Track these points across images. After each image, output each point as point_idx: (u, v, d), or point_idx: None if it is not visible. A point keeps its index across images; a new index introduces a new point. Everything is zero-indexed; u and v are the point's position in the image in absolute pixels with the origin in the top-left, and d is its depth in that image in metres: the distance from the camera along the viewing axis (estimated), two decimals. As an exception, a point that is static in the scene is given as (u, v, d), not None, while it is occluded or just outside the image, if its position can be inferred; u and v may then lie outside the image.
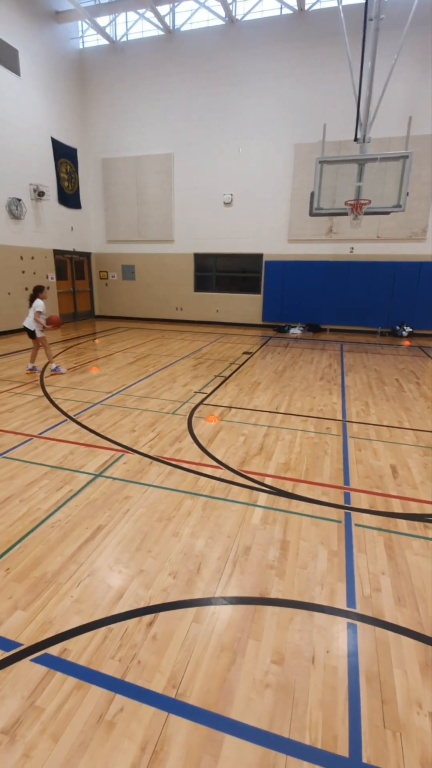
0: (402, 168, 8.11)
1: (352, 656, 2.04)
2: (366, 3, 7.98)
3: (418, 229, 11.53)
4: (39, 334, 7.07)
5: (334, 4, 11.20)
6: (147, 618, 2.24)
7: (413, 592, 2.43)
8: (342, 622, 2.23)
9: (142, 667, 1.96)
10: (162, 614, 2.26)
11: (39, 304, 6.95)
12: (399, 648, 2.08)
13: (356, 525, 3.08)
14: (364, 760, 1.62)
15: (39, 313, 6.93)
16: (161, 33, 12.67)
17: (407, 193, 8.27)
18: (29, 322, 7.01)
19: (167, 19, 12.55)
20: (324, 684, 1.90)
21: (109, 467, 3.91)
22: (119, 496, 3.43)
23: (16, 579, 2.49)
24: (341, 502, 3.38)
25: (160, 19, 12.12)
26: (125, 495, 3.44)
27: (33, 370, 7.35)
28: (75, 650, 2.04)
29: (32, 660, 1.98)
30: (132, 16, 12.99)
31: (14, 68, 10.96)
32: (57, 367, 7.34)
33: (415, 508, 3.29)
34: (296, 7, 11.42)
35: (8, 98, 10.85)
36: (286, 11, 11.68)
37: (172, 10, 12.55)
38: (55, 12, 12.32)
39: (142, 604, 2.32)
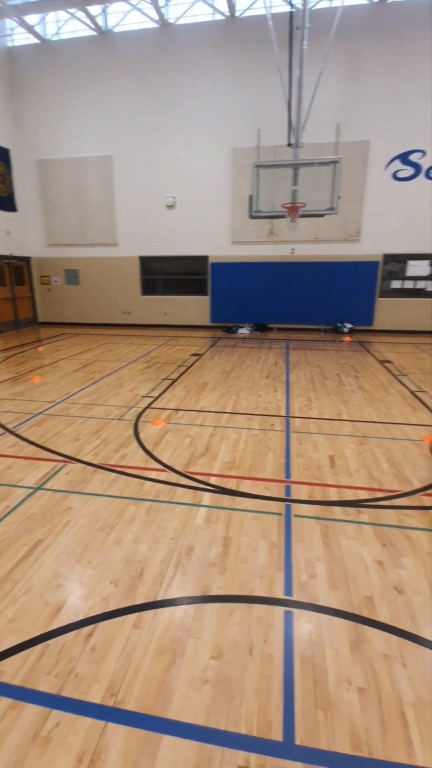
0: (333, 173, 8.51)
1: (288, 643, 2.12)
2: (291, 12, 8.29)
3: (353, 231, 12.14)
4: None
5: (263, 11, 11.54)
6: (86, 630, 2.20)
7: (345, 575, 2.57)
8: (279, 611, 2.31)
9: (80, 680, 1.93)
10: (101, 624, 2.23)
11: None
12: (331, 629, 2.19)
13: (295, 516, 3.20)
14: (297, 742, 1.69)
15: None
16: (94, 33, 12.44)
17: (339, 197, 8.69)
18: None
19: (99, 20, 12.34)
20: (260, 673, 1.96)
21: (49, 479, 3.79)
22: (60, 507, 3.33)
23: None
24: (282, 495, 3.50)
25: (92, 19, 11.89)
26: (66, 506, 3.35)
27: None
28: (9, 671, 1.97)
29: (-40, 688, 1.89)
30: (63, 15, 12.63)
31: None
32: None
33: (349, 495, 3.47)
34: (227, 13, 11.65)
35: None
36: (218, 17, 11.88)
37: (104, 11, 12.36)
38: (-21, 6, 11.72)
39: (81, 616, 2.28)
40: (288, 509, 3.29)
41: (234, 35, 11.74)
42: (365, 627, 2.21)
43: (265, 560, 2.71)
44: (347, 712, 1.81)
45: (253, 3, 11.69)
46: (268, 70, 11.21)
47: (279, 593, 2.43)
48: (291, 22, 8.38)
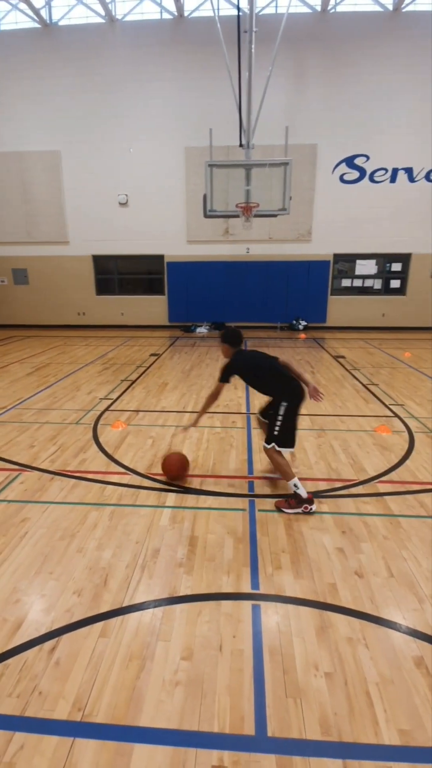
0: (284, 174, 8.70)
1: (257, 636, 2.14)
2: (238, 15, 8.38)
3: (304, 231, 12.50)
4: None
5: (211, 13, 11.58)
6: (49, 644, 2.10)
7: (309, 564, 2.64)
8: (247, 605, 2.33)
9: (44, 698, 1.84)
10: (65, 636, 2.14)
11: None
12: (298, 618, 2.24)
13: (260, 510, 3.24)
14: (269, 734, 1.70)
15: None
16: (37, 25, 11.94)
17: (290, 198, 8.89)
18: None
19: (43, 12, 11.85)
20: (231, 669, 1.96)
21: (3, 489, 3.59)
22: (15, 519, 3.16)
23: None
24: (246, 491, 3.53)
25: (35, 11, 11.41)
26: (22, 517, 3.19)
27: None
28: (-36, 697, 1.84)
29: None
30: (4, 6, 12.00)
31: None
32: None
33: (310, 487, 3.56)
34: (175, 13, 11.58)
35: None
36: (166, 16, 11.79)
37: (48, 4, 11.89)
38: None
39: (43, 631, 2.17)
40: (252, 504, 3.32)
41: (183, 35, 11.70)
42: (329, 613, 2.27)
43: (231, 556, 2.71)
44: (316, 698, 1.84)
45: (201, 4, 11.70)
46: (219, 71, 11.22)
47: (246, 588, 2.45)
48: (239, 25, 8.46)
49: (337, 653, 2.04)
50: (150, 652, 2.05)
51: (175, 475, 3.63)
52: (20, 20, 12.15)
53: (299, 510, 3.14)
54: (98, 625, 2.20)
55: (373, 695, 1.85)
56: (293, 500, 3.17)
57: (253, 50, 8.49)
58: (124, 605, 2.33)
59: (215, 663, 1.99)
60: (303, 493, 3.15)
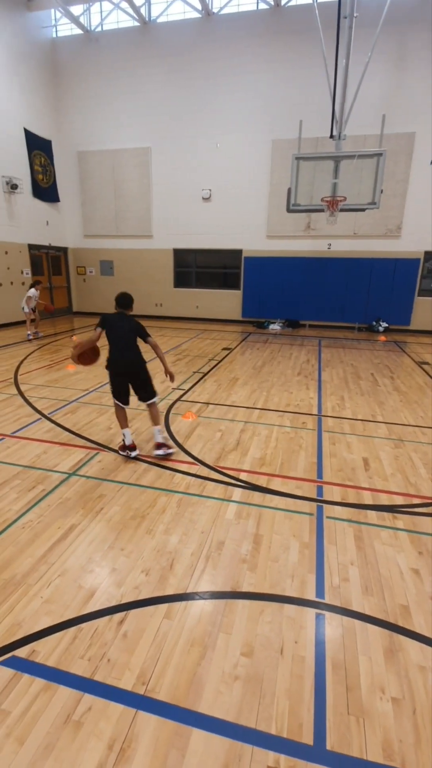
0: (376, 166, 8.22)
1: (320, 645, 2.08)
2: (339, 1, 8.02)
3: (393, 226, 11.73)
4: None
5: (309, 0, 11.23)
6: (118, 616, 2.23)
7: (380, 581, 2.50)
8: (311, 613, 2.27)
9: (112, 666, 1.96)
10: (133, 612, 2.26)
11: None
12: (365, 636, 2.13)
13: (327, 517, 3.14)
14: (328, 747, 1.66)
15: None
16: (137, 24, 12.47)
17: (381, 191, 8.39)
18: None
19: (143, 10, 12.35)
20: (291, 674, 1.93)
21: (83, 466, 3.87)
22: (93, 494, 3.40)
23: (-16, 581, 2.45)
24: (314, 495, 3.44)
25: (135, 9, 11.92)
26: (99, 493, 3.41)
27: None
28: (44, 651, 2.02)
29: (-1, 663, 1.95)
30: (107, 5, 12.72)
31: (-16, 56, 10.60)
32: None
33: (384, 500, 3.37)
34: (272, 2, 11.40)
35: (-22, 87, 10.50)
36: (262, 6, 11.65)
37: (148, 1, 12.35)
38: (27, -1, 11.97)
39: (113, 603, 2.32)
40: (320, 510, 3.23)
41: (278, 25, 11.49)
42: (400, 636, 2.14)
43: (296, 560, 2.66)
44: (380, 721, 1.75)
45: (299, -10, 11.39)
46: (312, 60, 10.94)
47: (311, 595, 2.39)
48: (339, 10, 8.09)
49: (407, 680, 1.91)
50: (211, 642, 2.09)
51: (85, 360, 4.23)
52: (121, 19, 12.75)
53: (123, 453, 4.01)
54: (163, 606, 2.29)
55: (445, 732, 1.71)
56: (122, 444, 4.07)
57: (352, 36, 8.09)
58: (188, 591, 2.40)
59: (275, 665, 1.98)
60: (127, 440, 4.00)
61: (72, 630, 2.14)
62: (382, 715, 1.78)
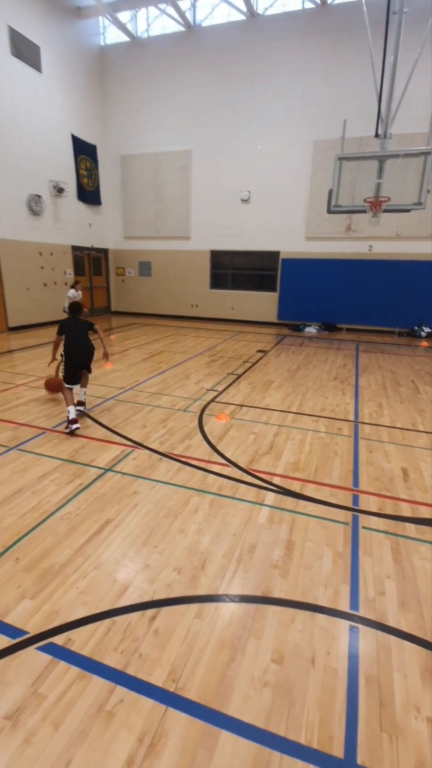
0: (423, 165, 7.92)
1: (353, 659, 2.03)
2: (389, -4, 7.79)
3: (440, 227, 11.26)
4: None
5: (358, -4, 10.99)
6: (150, 612, 2.27)
7: (418, 596, 2.41)
8: (344, 624, 2.22)
9: (144, 660, 2.00)
10: (165, 609, 2.29)
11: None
12: (400, 652, 2.07)
13: (363, 527, 3.06)
14: (359, 762, 1.62)
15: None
16: (182, 28, 12.65)
17: (429, 191, 8.07)
18: None
19: (188, 14, 12.51)
20: (323, 685, 1.90)
21: (119, 462, 3.97)
22: (128, 491, 3.48)
23: (25, 569, 2.56)
24: (349, 504, 3.36)
25: (181, 14, 12.10)
26: (134, 490, 3.49)
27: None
28: (79, 640, 2.09)
29: (37, 648, 2.04)
30: (153, 11, 12.99)
31: (36, 65, 11.10)
32: None
33: (424, 513, 3.24)
34: (319, 1, 11.24)
35: (30, 95, 11.00)
36: (308, 5, 11.52)
37: (194, 5, 12.51)
38: (77, 8, 12.42)
39: (146, 598, 2.36)
40: (355, 519, 3.15)
41: (323, 24, 11.33)
42: (439, 656, 2.05)
43: (329, 569, 2.62)
44: (414, 741, 1.69)
45: (346, -13, 11.19)
46: (357, 59, 10.71)
47: (344, 606, 2.34)
48: (388, 7, 7.87)
49: (445, 702, 1.84)
50: (241, 645, 2.09)
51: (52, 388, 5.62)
52: (167, 24, 12.98)
53: (67, 431, 4.58)
54: (195, 606, 2.31)
55: None
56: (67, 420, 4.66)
57: (401, 32, 7.84)
58: (219, 593, 2.41)
59: (306, 674, 1.95)
60: (71, 416, 4.61)
61: (106, 622, 2.20)
62: (417, 734, 1.72)
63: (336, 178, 8.39)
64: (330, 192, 8.64)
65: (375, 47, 8.26)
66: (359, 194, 8.47)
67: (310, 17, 11.44)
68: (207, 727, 1.73)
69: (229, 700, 1.83)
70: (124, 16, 13.04)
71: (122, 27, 12.81)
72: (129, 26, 13.20)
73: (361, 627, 2.21)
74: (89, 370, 5.14)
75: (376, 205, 8.19)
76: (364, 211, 8.57)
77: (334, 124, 11.01)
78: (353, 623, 2.23)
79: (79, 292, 10.25)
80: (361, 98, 10.65)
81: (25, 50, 10.70)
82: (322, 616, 2.27)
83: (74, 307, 5.10)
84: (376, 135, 8.37)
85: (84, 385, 5.22)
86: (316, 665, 1.99)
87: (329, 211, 8.89)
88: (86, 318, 5.26)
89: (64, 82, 12.22)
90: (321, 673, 1.96)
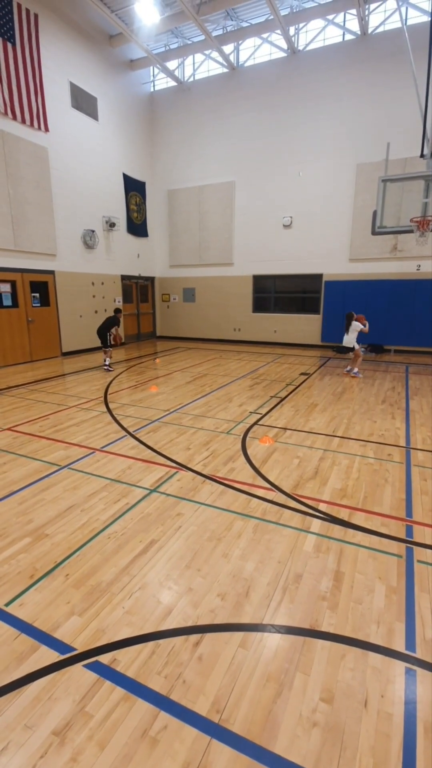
0: (473, 182, 7.69)
1: (410, 704, 1.88)
2: (431, 20, 7.84)
3: None
4: (356, 347, 8.94)
5: (397, 25, 11.14)
6: (194, 637, 2.24)
7: None
8: (400, 666, 2.07)
9: (187, 687, 1.97)
10: (208, 635, 2.26)
11: (357, 325, 8.85)
12: (465, 702, 1.89)
13: (419, 561, 2.87)
14: None
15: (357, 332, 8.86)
16: (226, 70, 13.37)
17: None
18: (349, 341, 8.94)
19: (231, 57, 13.23)
20: (377, 730, 1.77)
21: (163, 483, 4.03)
22: (172, 512, 3.50)
23: (74, 585, 2.63)
24: (402, 535, 3.18)
25: (225, 57, 12.81)
26: (178, 512, 3.51)
27: (355, 374, 9.05)
28: (124, 661, 2.10)
29: (84, 666, 2.07)
30: (199, 57, 13.87)
31: (93, 114, 12.13)
32: (356, 371, 9.11)
33: None
34: (359, 32, 11.51)
35: (88, 142, 11.99)
36: (348, 36, 11.81)
37: (237, 48, 13.22)
38: (130, 60, 13.51)
39: (189, 623, 2.34)
40: (409, 552, 2.97)
41: (364, 53, 11.53)
42: None
43: (382, 605, 2.47)
44: None
45: (387, 18, 11.40)
46: (399, 82, 10.78)
47: (399, 646, 2.19)
48: (431, 29, 7.92)
49: None
50: (288, 680, 2.00)
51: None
52: (212, 68, 13.78)
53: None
54: (239, 634, 2.26)
55: None
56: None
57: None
58: (264, 622, 2.34)
59: (359, 717, 1.83)
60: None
61: (150, 644, 2.20)
62: None
63: (380, 200, 8.33)
64: (374, 213, 8.58)
65: (418, 70, 8.28)
66: (405, 214, 8.35)
67: (350, 47, 11.71)
68: (252, 763, 1.66)
69: (276, 738, 1.75)
70: (172, 64, 14.03)
71: (171, 74, 13.76)
72: (177, 72, 14.15)
73: (418, 670, 2.05)
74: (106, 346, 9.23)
75: (424, 225, 8.02)
76: (411, 231, 8.41)
77: (377, 148, 11.04)
78: (410, 665, 2.07)
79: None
80: (405, 121, 10.63)
81: (83, 102, 11.74)
82: (375, 655, 2.13)
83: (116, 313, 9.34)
84: (422, 155, 8.28)
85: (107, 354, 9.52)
86: (369, 708, 1.87)
87: (374, 233, 8.81)
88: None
89: (118, 127, 13.21)
90: (374, 717, 1.83)
